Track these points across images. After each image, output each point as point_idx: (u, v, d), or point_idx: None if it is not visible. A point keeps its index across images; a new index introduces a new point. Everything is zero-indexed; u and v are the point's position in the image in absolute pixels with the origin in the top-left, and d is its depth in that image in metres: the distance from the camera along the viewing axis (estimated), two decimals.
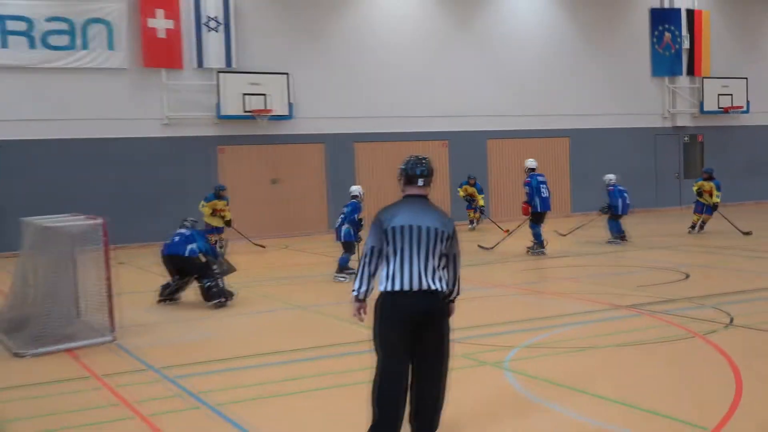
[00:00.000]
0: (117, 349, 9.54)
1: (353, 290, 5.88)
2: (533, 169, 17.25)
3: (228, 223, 18.70)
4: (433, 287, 5.67)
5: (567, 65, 25.30)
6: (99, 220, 10.16)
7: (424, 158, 6.14)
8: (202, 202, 18.52)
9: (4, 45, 19.46)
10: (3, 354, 9.37)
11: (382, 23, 23.11)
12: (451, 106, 23.74)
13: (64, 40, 19.96)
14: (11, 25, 19.45)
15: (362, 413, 7.00)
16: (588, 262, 16.06)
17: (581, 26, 25.60)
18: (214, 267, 11.81)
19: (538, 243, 16.73)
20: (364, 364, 8.61)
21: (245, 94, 21.04)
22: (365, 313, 5.91)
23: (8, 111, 19.29)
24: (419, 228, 5.72)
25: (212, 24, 21.05)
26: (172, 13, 20.73)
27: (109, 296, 10.02)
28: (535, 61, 24.96)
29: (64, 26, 19.95)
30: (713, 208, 19.17)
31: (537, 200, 16.83)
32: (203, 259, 11.89)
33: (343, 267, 14.24)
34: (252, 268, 16.38)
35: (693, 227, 19.66)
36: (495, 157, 24.58)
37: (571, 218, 25.01)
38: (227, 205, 18.58)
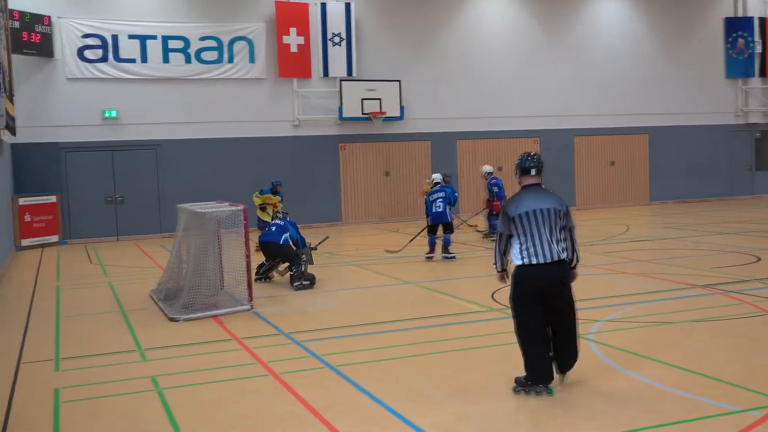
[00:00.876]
0: (254, 316, 9.65)
1: (494, 266, 6.42)
2: (491, 173, 17.49)
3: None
4: (561, 257, 6.13)
5: (647, 69, 24.36)
6: (240, 207, 10.28)
7: (535, 154, 6.45)
8: (256, 194, 17.07)
9: (166, 60, 20.00)
10: (162, 319, 9.62)
11: (480, 35, 22.74)
12: (541, 106, 23.19)
13: (213, 55, 20.39)
14: (172, 44, 19.99)
15: (462, 377, 6.84)
16: (668, 245, 15.38)
17: (660, 34, 24.58)
18: (302, 255, 11.57)
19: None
20: (466, 332, 8.45)
21: (363, 99, 21.06)
22: (507, 278, 6.40)
23: (166, 115, 19.87)
24: (542, 210, 6.12)
25: (336, 39, 21.12)
26: (303, 31, 20.91)
27: (248, 271, 10.14)
28: (618, 65, 24.12)
29: (214, 44, 20.38)
30: None
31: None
32: (294, 248, 11.69)
33: (448, 246, 14.00)
34: (365, 248, 16.37)
35: None
36: (581, 153, 23.90)
37: (648, 206, 24.11)
38: (281, 201, 16.73)
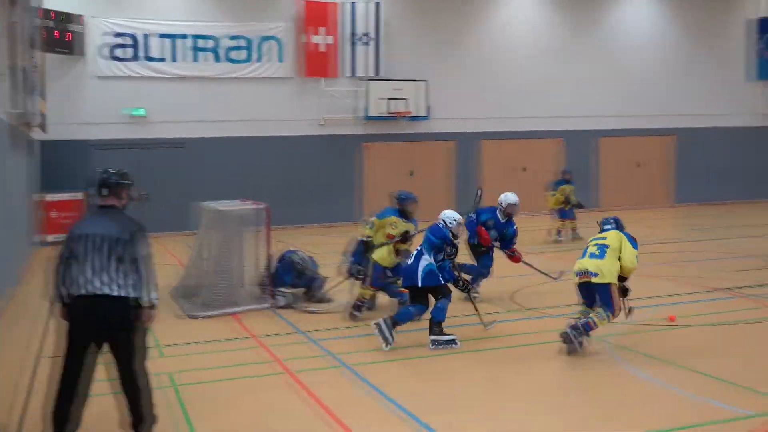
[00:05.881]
0: (273, 314, 9.66)
1: (54, 297, 5.43)
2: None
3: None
4: (107, 292, 5.22)
5: (674, 69, 23.97)
6: (263, 205, 10.31)
7: (110, 171, 5.63)
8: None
9: (195, 59, 20.12)
10: (181, 316, 9.65)
11: (507, 34, 22.56)
12: (566, 107, 22.95)
13: (242, 54, 20.45)
14: (201, 43, 20.11)
15: (477, 378, 6.81)
16: (691, 248, 15.14)
17: (687, 34, 24.18)
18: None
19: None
20: (483, 334, 8.37)
21: (389, 98, 20.99)
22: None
23: (195, 113, 19.98)
24: (95, 236, 5.30)
25: (364, 39, 21.11)
26: (332, 30, 20.94)
27: (269, 269, 10.17)
28: (645, 66, 23.77)
29: (243, 43, 20.44)
30: None
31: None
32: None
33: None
34: None
35: None
36: (606, 154, 23.61)
37: (673, 209, 23.79)
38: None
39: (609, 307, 7.42)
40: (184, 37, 19.96)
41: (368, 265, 9.31)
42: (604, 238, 7.63)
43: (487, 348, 7.97)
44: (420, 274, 7.85)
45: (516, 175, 22.40)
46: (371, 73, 21.15)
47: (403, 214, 9.69)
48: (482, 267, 10.29)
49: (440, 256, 7.98)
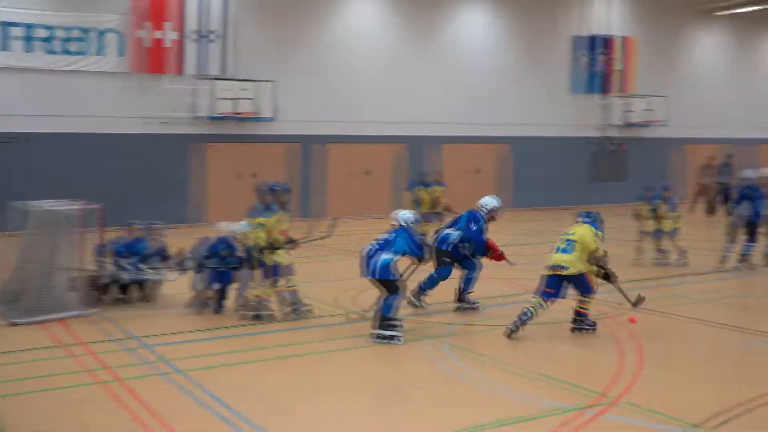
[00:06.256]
0: (101, 320, 9.30)
1: None
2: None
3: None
4: None
5: (507, 80, 25.21)
6: (95, 205, 9.92)
7: None
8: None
9: (28, 50, 18.96)
10: (0, 322, 9.09)
11: (350, 40, 22.85)
12: (410, 112, 23.57)
13: (78, 46, 19.48)
14: (33, 32, 18.95)
15: (312, 379, 6.90)
16: (527, 251, 15.95)
17: (518, 47, 25.48)
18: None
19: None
20: (315, 336, 8.45)
21: (234, 99, 20.69)
22: None
23: (27, 107, 18.82)
24: None
25: (211, 36, 20.71)
26: (177, 26, 20.35)
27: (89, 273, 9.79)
28: (483, 75, 24.82)
29: (79, 34, 19.49)
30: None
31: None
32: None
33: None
34: None
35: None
36: (449, 160, 24.38)
37: (509, 213, 24.97)
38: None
39: (587, 290, 8.60)
40: (14, 25, 18.80)
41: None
42: (573, 233, 8.69)
43: (311, 352, 8.08)
44: (378, 267, 8.13)
45: (359, 178, 22.84)
46: (217, 72, 20.79)
47: (279, 206, 9.29)
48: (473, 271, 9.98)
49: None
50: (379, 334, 8.16)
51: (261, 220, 9.02)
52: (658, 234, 13.42)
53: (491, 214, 10.16)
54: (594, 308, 8.94)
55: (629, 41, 26.87)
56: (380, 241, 8.38)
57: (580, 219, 8.96)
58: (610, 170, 27.27)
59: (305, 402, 6.46)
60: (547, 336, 8.60)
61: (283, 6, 21.96)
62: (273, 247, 8.99)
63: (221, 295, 9.67)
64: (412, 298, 9.68)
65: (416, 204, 15.73)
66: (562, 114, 26.28)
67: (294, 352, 7.95)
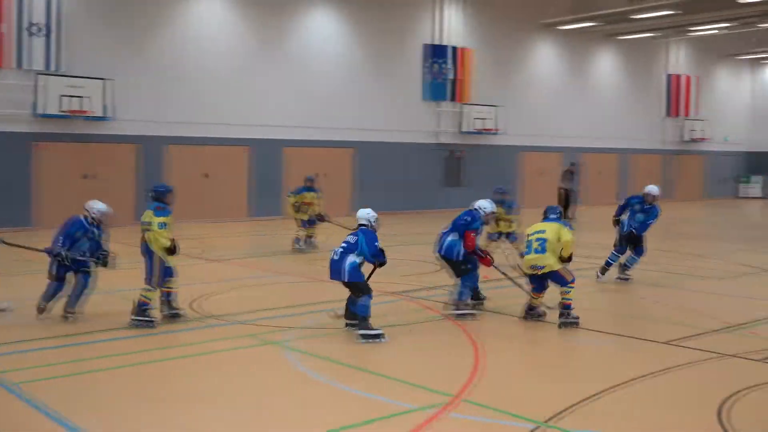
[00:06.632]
0: None
1: None
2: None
3: (320, 217, 16.19)
4: None
5: (357, 86, 25.50)
6: None
7: None
8: (289, 194, 16.47)
9: None
10: None
11: (193, 40, 22.25)
12: (254, 114, 23.26)
13: None
14: None
15: (154, 387, 6.58)
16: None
17: (368, 53, 25.86)
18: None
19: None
20: (163, 343, 8.11)
21: (63, 96, 19.49)
22: None
23: None
24: None
25: (34, 29, 19.38)
26: (1, 18, 18.90)
27: None
28: (331, 80, 24.97)
29: None
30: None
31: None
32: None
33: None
34: None
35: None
36: (291, 164, 24.24)
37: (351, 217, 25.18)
38: (318, 197, 16.15)
39: (564, 284, 9.18)
40: None
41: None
42: (543, 231, 9.26)
43: (164, 358, 7.76)
44: (346, 270, 8.34)
45: (200, 180, 22.32)
46: (43, 67, 19.52)
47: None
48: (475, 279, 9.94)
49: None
50: (365, 335, 8.34)
51: (166, 219, 8.97)
52: (493, 236, 13.72)
53: (487, 218, 9.98)
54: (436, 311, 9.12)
55: (467, 52, 27.94)
56: (346, 244, 8.52)
57: (553, 216, 9.49)
58: (451, 176, 28.27)
59: (151, 413, 6.14)
60: (407, 336, 8.69)
61: (127, 4, 21.02)
62: (174, 247, 8.95)
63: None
64: (472, 310, 9.69)
65: (296, 209, 16.02)
66: (412, 120, 26.91)
67: (136, 360, 7.57)
